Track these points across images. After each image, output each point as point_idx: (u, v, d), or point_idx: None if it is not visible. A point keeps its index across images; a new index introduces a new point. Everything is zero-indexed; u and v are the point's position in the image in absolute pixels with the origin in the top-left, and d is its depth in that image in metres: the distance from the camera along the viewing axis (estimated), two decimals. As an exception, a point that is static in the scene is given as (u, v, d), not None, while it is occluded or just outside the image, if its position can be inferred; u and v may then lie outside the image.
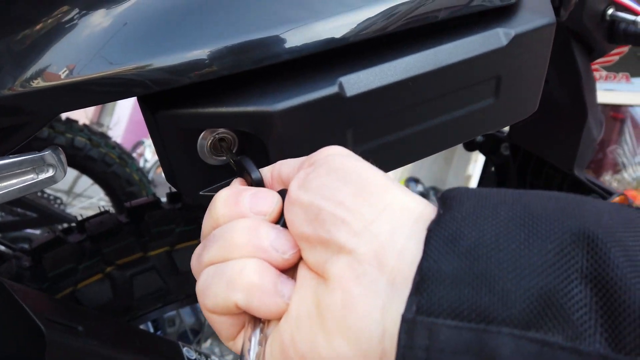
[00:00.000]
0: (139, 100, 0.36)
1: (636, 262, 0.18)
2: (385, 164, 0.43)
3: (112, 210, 0.69)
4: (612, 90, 3.32)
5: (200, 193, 0.39)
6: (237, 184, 0.32)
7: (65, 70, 0.29)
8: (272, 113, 0.34)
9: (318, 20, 0.35)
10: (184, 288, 0.65)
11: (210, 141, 0.37)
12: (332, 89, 0.36)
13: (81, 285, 0.58)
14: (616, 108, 3.47)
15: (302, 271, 0.26)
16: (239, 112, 0.34)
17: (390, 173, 0.65)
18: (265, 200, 0.28)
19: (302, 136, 0.36)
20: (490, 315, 0.19)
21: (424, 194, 3.94)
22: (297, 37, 0.34)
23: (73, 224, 0.65)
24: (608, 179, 3.57)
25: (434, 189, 4.33)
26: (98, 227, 0.61)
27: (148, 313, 0.64)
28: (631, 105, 3.38)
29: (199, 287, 0.27)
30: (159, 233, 0.62)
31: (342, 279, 0.23)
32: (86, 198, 2.12)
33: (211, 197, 0.39)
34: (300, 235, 0.25)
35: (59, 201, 2.06)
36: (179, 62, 0.31)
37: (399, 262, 0.22)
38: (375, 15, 0.37)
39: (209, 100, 0.34)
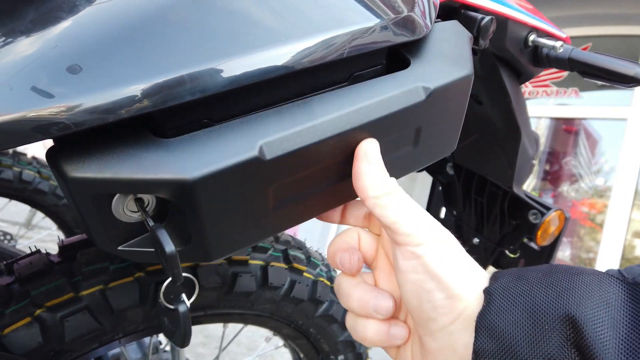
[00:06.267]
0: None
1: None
2: (302, 215, 0.43)
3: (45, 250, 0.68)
4: (563, 105, 3.46)
5: (119, 249, 0.37)
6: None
7: None
8: (189, 181, 0.32)
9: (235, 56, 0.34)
10: (121, 326, 0.63)
11: (125, 202, 0.35)
12: (251, 153, 0.35)
13: (8, 330, 0.56)
14: (569, 121, 3.60)
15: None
16: (154, 180, 0.32)
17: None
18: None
19: (222, 200, 0.35)
20: None
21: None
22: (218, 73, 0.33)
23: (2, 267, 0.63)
24: (566, 189, 3.68)
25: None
26: (27, 268, 0.60)
27: (83, 355, 0.62)
28: (582, 119, 3.51)
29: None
30: (91, 272, 0.61)
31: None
32: (44, 229, 2.04)
33: (130, 252, 0.38)
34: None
35: (8, 237, 1.98)
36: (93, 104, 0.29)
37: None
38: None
39: (122, 164, 0.32)
